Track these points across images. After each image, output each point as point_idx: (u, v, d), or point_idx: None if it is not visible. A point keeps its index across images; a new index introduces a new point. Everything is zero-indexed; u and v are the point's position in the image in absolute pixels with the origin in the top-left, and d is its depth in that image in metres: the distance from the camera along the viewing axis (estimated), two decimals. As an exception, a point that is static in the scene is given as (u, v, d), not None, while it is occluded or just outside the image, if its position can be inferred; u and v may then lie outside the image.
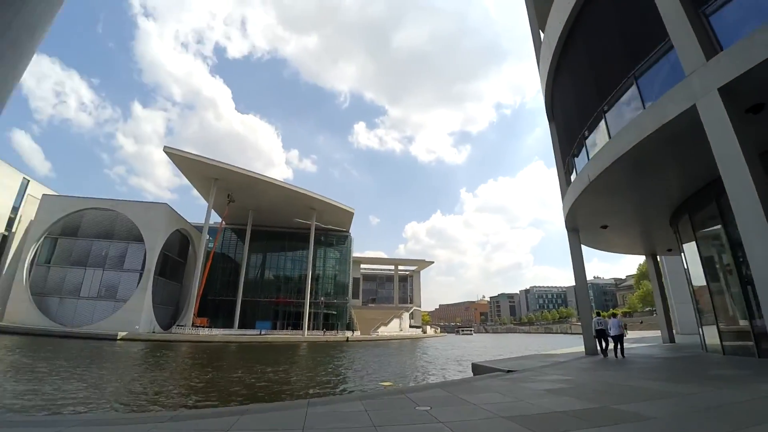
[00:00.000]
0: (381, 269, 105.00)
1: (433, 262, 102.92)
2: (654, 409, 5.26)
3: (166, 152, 49.96)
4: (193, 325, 52.30)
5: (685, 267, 15.17)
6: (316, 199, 59.17)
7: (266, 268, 71.67)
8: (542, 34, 17.56)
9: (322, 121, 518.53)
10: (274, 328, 65.19)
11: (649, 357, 13.98)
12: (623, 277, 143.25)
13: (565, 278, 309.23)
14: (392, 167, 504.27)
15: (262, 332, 58.95)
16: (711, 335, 13.65)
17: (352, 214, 65.46)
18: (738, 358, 11.29)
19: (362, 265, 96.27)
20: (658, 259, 23.25)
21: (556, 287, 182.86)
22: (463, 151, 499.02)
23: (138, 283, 49.25)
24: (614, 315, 15.34)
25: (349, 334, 63.68)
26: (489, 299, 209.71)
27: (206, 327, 54.53)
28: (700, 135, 7.49)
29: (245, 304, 64.93)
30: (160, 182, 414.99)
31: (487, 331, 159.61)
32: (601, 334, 14.44)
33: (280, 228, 69.88)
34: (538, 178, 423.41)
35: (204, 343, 43.07)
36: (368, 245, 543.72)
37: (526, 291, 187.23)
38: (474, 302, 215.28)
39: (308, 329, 62.79)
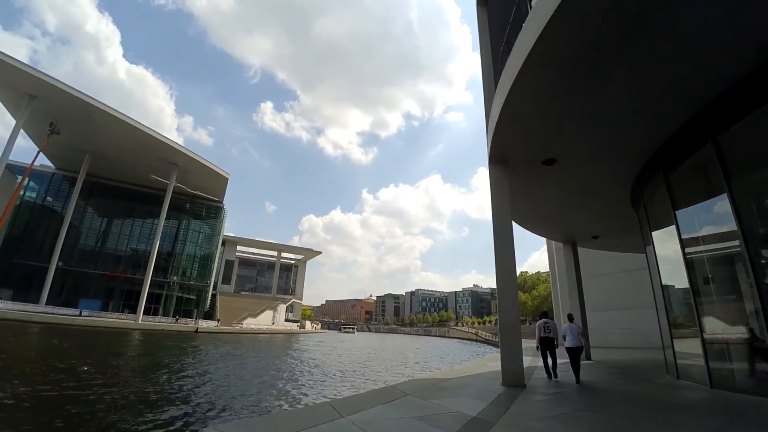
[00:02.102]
0: (263, 255, 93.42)
1: (320, 252, 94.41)
2: None
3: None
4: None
5: (653, 257, 10.18)
6: (180, 153, 46.53)
7: (106, 233, 56.09)
8: None
9: (225, 92, 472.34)
10: (106, 309, 51.08)
11: (615, 387, 8.36)
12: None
13: (448, 285, 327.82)
14: (296, 156, 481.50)
15: (83, 313, 45.24)
16: (685, 354, 8.75)
17: (227, 180, 53.87)
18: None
19: (239, 247, 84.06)
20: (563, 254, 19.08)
21: (439, 292, 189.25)
22: (370, 152, 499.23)
23: None
24: (570, 318, 9.63)
25: (205, 324, 52.47)
26: (375, 298, 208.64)
27: None
28: None
29: (67, 274, 49.78)
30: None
31: (370, 330, 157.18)
32: (549, 346, 8.83)
33: (131, 185, 55.21)
34: (434, 190, 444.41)
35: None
36: (261, 233, 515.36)
37: (412, 293, 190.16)
38: (361, 300, 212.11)
39: (151, 314, 50.25)
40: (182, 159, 47.47)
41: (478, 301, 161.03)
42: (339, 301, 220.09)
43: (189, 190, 54.19)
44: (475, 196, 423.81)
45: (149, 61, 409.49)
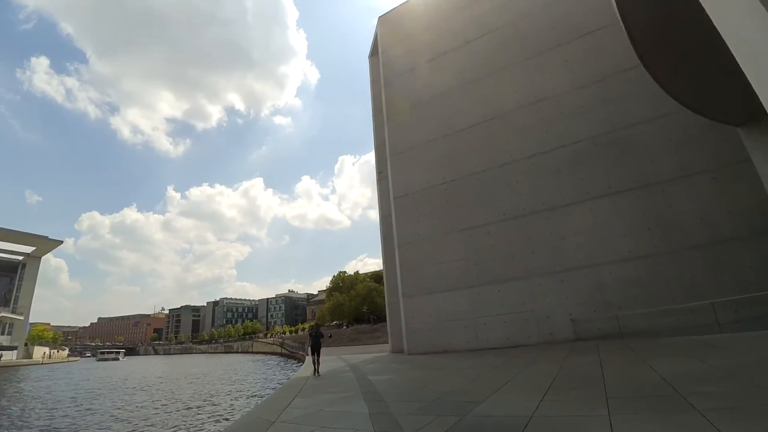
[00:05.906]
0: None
1: (61, 243, 65.37)
2: None
3: None
4: None
5: None
6: None
7: None
8: None
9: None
10: None
11: None
12: (315, 292, 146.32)
13: (264, 295, 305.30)
14: (78, 134, 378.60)
15: None
16: None
17: None
18: None
19: None
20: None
21: (249, 300, 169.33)
22: (181, 144, 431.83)
23: None
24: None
25: None
26: (168, 312, 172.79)
27: None
28: None
29: None
30: None
31: (156, 353, 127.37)
32: None
33: None
34: (255, 194, 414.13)
35: None
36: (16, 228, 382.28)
37: (215, 303, 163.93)
38: (149, 316, 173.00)
39: None
40: None
41: (293, 308, 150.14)
42: (117, 318, 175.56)
43: None
44: (297, 204, 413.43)
45: None
